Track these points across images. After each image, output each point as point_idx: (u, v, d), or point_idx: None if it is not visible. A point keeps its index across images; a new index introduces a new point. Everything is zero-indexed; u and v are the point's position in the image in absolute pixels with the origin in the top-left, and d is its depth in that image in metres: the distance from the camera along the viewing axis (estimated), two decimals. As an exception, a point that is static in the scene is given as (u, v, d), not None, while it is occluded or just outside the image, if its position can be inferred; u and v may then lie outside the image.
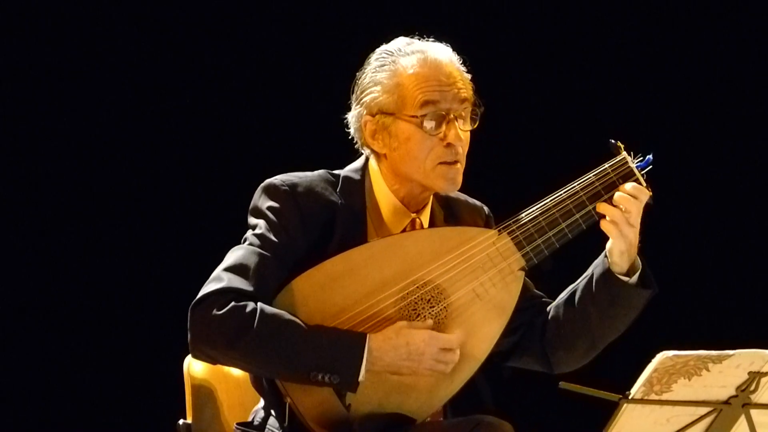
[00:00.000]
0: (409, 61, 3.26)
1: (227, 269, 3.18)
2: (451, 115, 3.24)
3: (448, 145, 3.23)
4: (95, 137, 5.13)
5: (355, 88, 3.32)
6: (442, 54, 3.28)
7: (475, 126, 3.28)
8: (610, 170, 3.26)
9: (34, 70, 5.07)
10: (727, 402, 2.97)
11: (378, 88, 3.26)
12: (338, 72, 3.53)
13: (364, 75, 3.30)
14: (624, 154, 3.26)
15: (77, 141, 5.12)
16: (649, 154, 3.27)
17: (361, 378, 3.12)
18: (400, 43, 3.31)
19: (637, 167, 3.25)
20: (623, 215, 3.22)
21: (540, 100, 5.37)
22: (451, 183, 3.27)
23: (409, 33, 3.36)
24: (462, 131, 3.24)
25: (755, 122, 5.39)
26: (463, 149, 3.26)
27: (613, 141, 3.28)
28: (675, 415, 2.97)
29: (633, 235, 3.23)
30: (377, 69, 3.28)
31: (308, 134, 5.14)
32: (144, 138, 5.17)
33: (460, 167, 3.26)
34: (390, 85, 3.25)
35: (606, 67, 5.38)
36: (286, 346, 3.11)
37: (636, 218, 3.23)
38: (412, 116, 3.23)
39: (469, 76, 3.30)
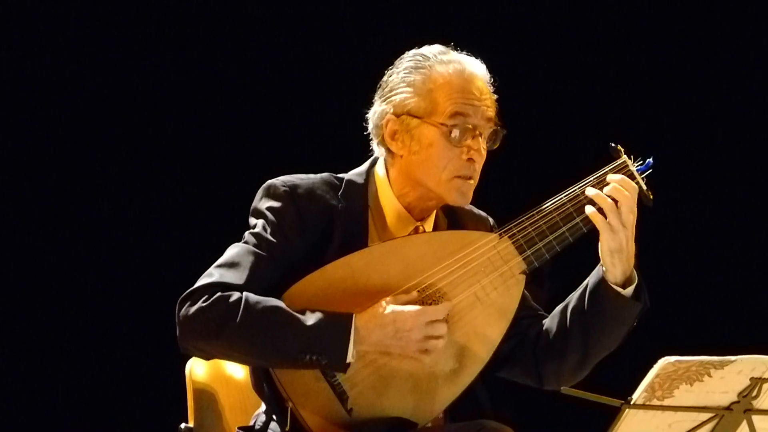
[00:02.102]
0: (445, 69, 3.24)
1: (219, 266, 3.19)
2: (477, 131, 3.24)
3: (469, 159, 3.23)
4: (98, 137, 5.14)
5: (382, 85, 3.31)
6: (478, 69, 3.28)
7: (495, 147, 3.28)
8: (610, 173, 3.25)
9: (33, 70, 5.07)
10: (728, 408, 2.97)
11: (410, 89, 3.25)
12: (347, 75, 3.53)
13: (395, 74, 3.29)
14: (624, 157, 3.26)
15: (84, 141, 5.13)
16: (650, 158, 3.27)
17: (350, 359, 3.11)
18: (436, 49, 3.30)
19: (637, 170, 3.25)
20: (611, 204, 3.19)
21: (540, 103, 5.37)
22: (462, 197, 3.27)
23: (410, 36, 3.36)
24: (483, 149, 3.25)
25: (755, 126, 5.38)
26: (479, 166, 3.26)
27: (613, 144, 3.28)
28: (677, 421, 2.97)
29: (623, 233, 3.18)
30: (411, 70, 3.26)
31: (315, 136, 5.14)
32: (148, 138, 5.18)
33: (474, 183, 3.26)
34: (423, 89, 3.24)
35: (607, 70, 5.37)
36: (272, 329, 3.10)
37: (626, 212, 3.18)
38: (441, 123, 3.22)
39: (495, 96, 3.29)
